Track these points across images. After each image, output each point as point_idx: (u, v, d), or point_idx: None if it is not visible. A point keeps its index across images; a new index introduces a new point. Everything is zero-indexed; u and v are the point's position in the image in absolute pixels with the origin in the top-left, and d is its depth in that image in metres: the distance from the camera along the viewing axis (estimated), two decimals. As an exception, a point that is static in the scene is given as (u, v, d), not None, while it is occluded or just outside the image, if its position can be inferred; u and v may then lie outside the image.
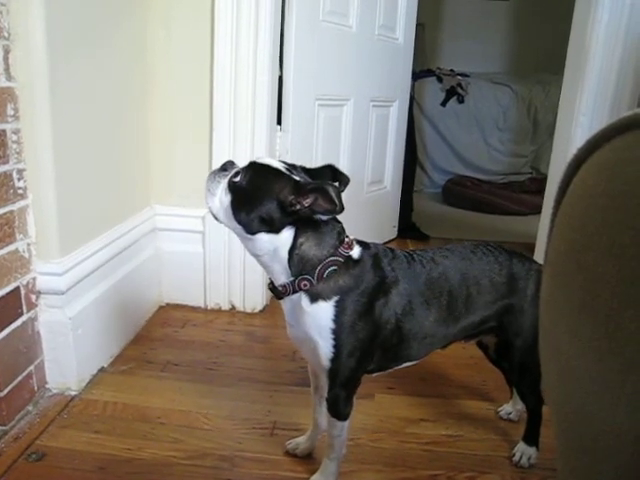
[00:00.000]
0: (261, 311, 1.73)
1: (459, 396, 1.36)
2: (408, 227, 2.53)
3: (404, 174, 2.49)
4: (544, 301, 0.40)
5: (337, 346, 0.89)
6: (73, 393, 1.28)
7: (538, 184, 3.11)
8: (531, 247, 1.88)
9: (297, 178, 0.86)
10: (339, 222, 0.90)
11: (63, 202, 1.20)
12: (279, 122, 1.73)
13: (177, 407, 1.26)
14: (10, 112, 1.08)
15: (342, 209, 0.81)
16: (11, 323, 1.14)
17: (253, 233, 0.87)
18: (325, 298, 0.87)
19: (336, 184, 0.86)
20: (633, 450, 0.29)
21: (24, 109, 1.10)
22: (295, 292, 0.88)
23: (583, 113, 1.63)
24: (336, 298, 0.87)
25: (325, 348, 0.89)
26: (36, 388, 1.24)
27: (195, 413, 1.23)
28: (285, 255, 0.87)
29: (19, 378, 1.18)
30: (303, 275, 0.87)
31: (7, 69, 1.07)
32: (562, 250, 0.37)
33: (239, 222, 0.87)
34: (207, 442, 1.14)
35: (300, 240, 0.86)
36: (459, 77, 3.61)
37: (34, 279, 1.20)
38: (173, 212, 1.67)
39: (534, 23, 4.16)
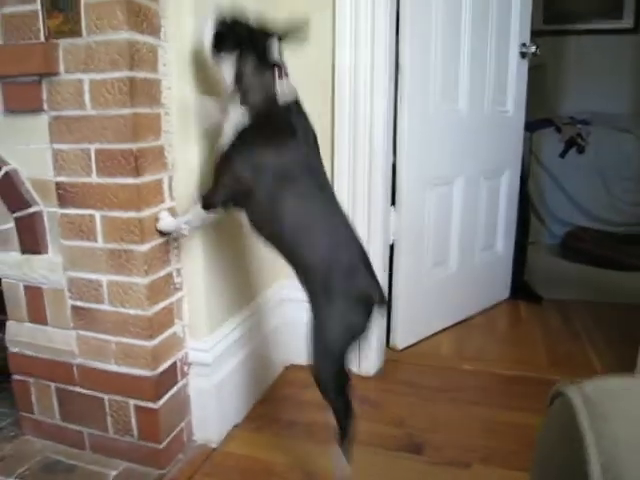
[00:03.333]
0: (375, 375, 1.90)
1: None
2: (521, 287, 2.58)
3: (517, 234, 2.56)
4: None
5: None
6: (214, 446, 1.52)
7: (666, 237, 3.01)
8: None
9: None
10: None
11: (210, 290, 1.47)
12: (393, 203, 1.92)
13: (298, 464, 1.46)
14: (174, 225, 1.38)
15: None
16: (170, 390, 1.42)
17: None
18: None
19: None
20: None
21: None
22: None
23: None
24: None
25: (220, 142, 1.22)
26: (186, 440, 1.51)
27: (314, 474, 1.42)
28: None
29: (174, 432, 1.45)
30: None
31: (170, 194, 1.36)
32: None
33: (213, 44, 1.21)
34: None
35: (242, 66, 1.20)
36: (579, 126, 3.58)
37: (187, 353, 1.48)
38: (298, 286, 1.90)
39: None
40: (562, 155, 3.52)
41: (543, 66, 3.92)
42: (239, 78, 1.18)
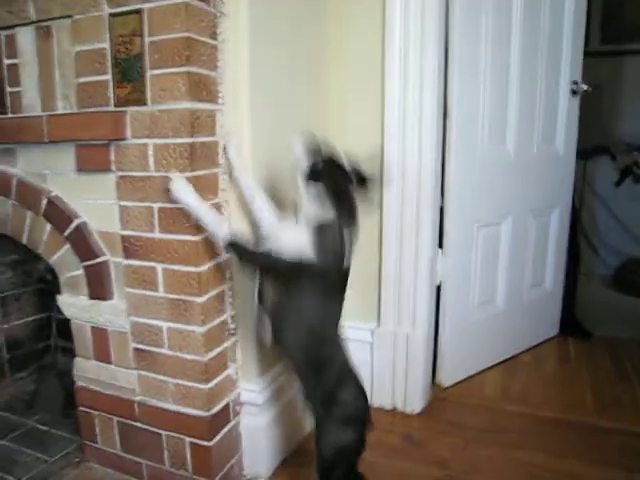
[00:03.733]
0: (419, 413, 1.94)
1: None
2: (570, 323, 2.56)
3: (567, 266, 2.55)
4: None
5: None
6: (262, 480, 1.61)
7: None
8: None
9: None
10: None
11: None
12: (440, 245, 1.96)
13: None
14: (227, 275, 1.47)
15: None
16: (223, 428, 1.51)
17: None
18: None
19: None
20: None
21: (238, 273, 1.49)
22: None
23: None
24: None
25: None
26: (237, 475, 1.59)
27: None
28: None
29: (226, 468, 1.53)
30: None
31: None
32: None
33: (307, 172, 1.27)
34: None
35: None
36: (635, 153, 3.51)
37: (239, 394, 1.56)
38: (347, 324, 1.96)
39: None
40: (617, 184, 3.47)
41: (599, 88, 3.85)
42: (322, 203, 1.24)
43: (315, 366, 1.29)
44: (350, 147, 1.80)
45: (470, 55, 1.91)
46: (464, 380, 2.14)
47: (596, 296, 3.05)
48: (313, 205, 1.24)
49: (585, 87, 2.34)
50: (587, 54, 2.40)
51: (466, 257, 2.04)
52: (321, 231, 1.24)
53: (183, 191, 1.29)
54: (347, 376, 1.30)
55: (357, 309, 1.95)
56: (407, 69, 1.77)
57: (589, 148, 3.38)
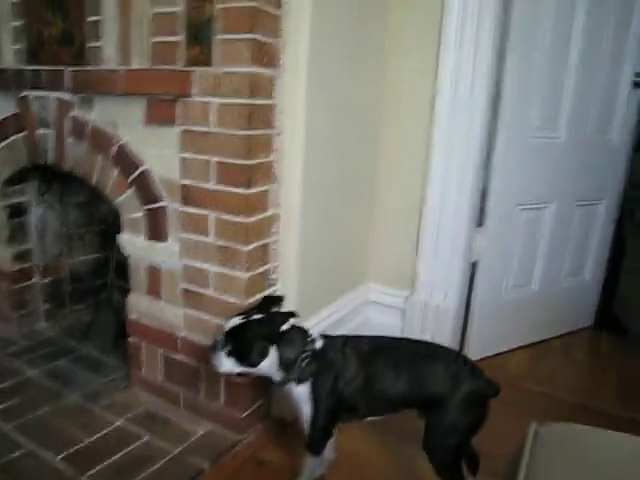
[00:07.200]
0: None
1: None
2: (606, 317, 2.57)
3: (610, 262, 2.55)
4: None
5: (313, 410, 1.32)
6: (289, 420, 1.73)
7: None
8: None
9: (260, 317, 1.32)
10: (301, 327, 1.36)
11: (301, 287, 1.67)
12: (482, 224, 2.02)
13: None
14: (273, 229, 1.59)
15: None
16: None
17: (257, 365, 1.32)
18: (304, 381, 1.31)
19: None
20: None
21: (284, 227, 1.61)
22: (288, 382, 1.34)
23: None
24: (311, 380, 1.31)
25: (306, 411, 1.33)
26: (262, 415, 1.73)
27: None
28: (276, 365, 1.32)
29: (254, 406, 1.67)
30: (289, 370, 1.32)
31: (274, 204, 1.57)
32: None
33: (248, 366, 1.32)
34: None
35: (281, 350, 1.31)
36: None
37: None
38: (383, 290, 2.07)
39: None
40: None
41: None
42: (286, 361, 1.32)
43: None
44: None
45: (527, 33, 1.91)
46: (492, 356, 2.21)
47: (638, 293, 3.01)
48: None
49: (649, 80, 2.31)
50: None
51: (505, 238, 2.09)
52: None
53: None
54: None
55: (393, 276, 2.05)
56: (463, 38, 1.80)
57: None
